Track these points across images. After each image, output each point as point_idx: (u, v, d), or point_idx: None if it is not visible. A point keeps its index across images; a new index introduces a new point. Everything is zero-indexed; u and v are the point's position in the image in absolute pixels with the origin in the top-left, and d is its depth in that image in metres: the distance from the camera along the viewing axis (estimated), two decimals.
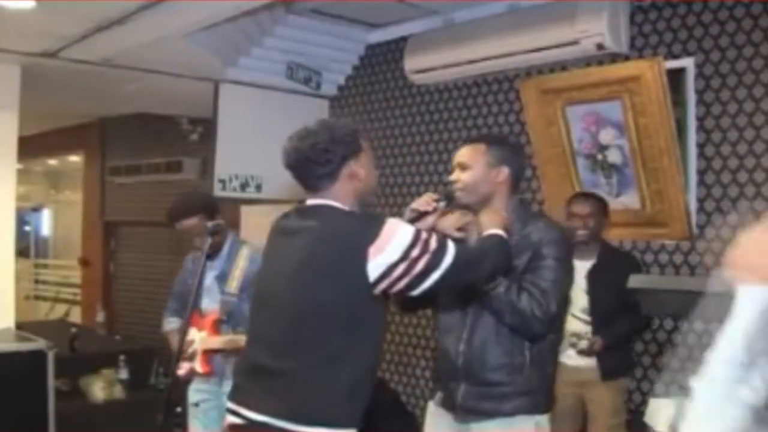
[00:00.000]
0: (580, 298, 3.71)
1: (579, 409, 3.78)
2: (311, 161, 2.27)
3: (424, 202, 2.58)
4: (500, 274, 2.42)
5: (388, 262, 2.15)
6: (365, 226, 2.21)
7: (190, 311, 3.36)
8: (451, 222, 2.58)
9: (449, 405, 2.61)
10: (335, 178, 2.29)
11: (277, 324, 2.28)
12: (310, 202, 2.34)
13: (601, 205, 3.87)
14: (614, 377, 3.74)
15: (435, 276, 2.19)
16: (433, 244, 2.20)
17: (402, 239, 2.18)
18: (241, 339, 3.42)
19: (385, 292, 2.22)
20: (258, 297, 2.46)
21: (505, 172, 2.60)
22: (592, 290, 3.73)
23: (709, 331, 1.21)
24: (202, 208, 3.66)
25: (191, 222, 3.62)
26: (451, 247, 2.22)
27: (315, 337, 2.22)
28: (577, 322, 3.73)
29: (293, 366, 2.21)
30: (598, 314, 3.72)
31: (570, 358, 3.69)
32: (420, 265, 2.17)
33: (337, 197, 2.29)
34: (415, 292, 2.22)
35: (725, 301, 1.20)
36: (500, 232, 2.41)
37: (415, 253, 2.16)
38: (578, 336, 3.73)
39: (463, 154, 2.67)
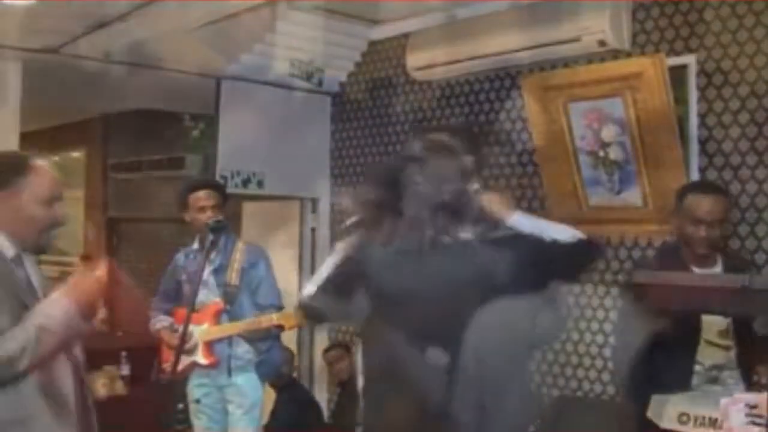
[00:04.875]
0: (714, 319, 2.76)
1: None
2: None
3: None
4: None
5: None
6: None
7: (192, 305, 3.40)
8: None
9: None
10: None
11: None
12: None
13: (728, 201, 3.01)
14: None
15: None
16: None
17: None
18: (264, 320, 3.57)
19: None
20: None
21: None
22: None
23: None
24: (217, 186, 3.97)
25: (208, 192, 3.77)
26: None
27: None
28: (716, 350, 2.79)
29: None
30: (743, 335, 2.75)
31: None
32: None
33: None
34: None
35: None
36: None
37: None
38: (720, 368, 2.80)
39: None
